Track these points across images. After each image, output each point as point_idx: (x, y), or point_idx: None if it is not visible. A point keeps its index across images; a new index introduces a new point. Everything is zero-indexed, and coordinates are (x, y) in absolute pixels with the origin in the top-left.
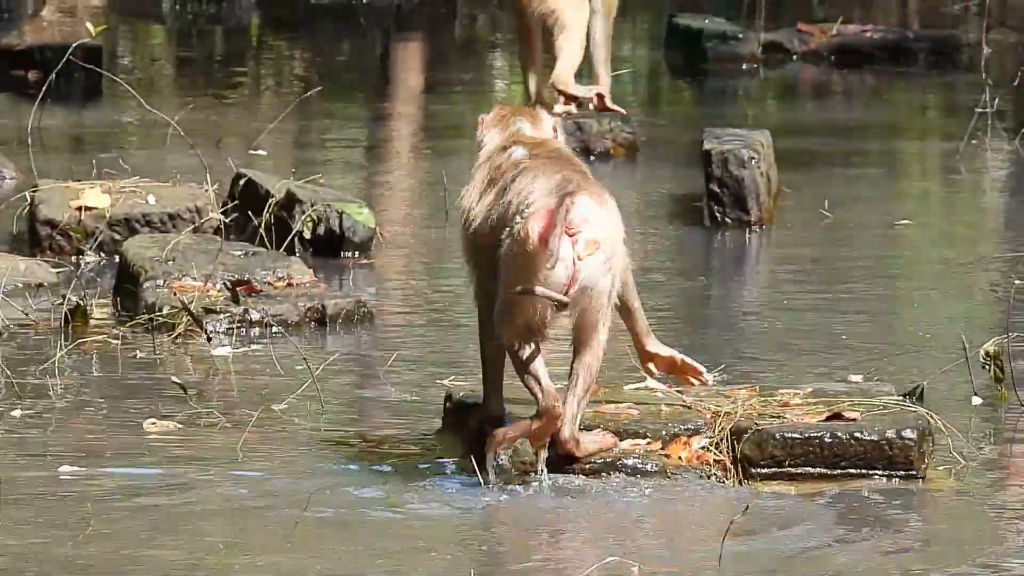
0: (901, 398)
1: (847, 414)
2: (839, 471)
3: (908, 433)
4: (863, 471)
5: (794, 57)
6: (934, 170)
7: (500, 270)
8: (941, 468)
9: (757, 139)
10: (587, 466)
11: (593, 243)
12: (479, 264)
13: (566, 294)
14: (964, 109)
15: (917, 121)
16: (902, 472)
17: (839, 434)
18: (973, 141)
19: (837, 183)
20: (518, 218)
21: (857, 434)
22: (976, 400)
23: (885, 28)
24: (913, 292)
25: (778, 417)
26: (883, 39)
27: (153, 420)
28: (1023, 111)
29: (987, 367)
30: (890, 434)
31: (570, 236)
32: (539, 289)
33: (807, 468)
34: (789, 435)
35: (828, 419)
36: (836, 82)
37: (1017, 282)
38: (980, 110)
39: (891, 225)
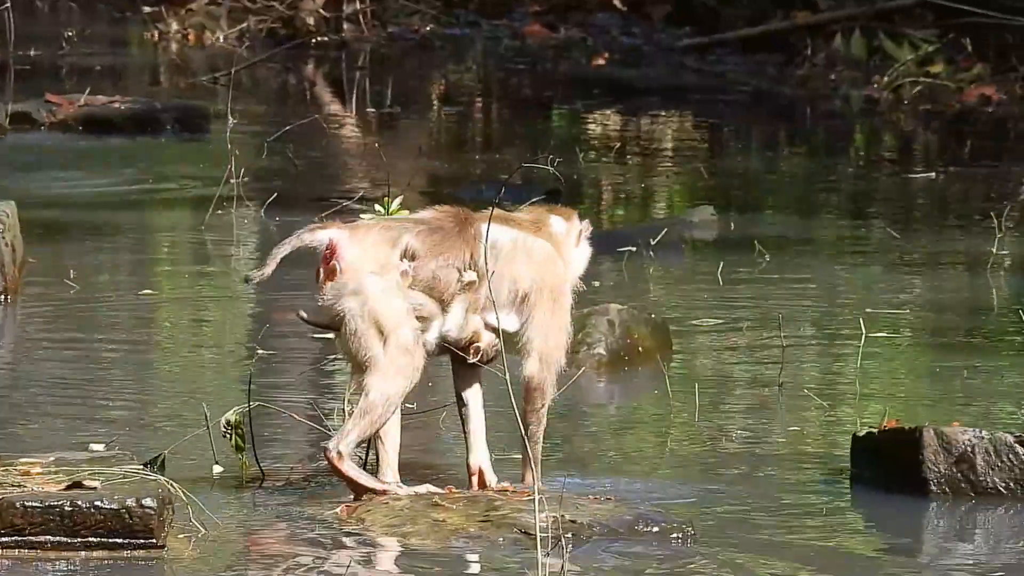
0: (142, 467)
1: (87, 483)
2: (80, 540)
3: (148, 502)
4: (104, 539)
5: (42, 127)
6: (182, 241)
7: None
8: (182, 536)
9: (2, 209)
10: None
11: (331, 270)
12: None
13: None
14: (210, 179)
15: (166, 191)
16: (142, 540)
17: (79, 503)
18: (219, 212)
19: (86, 253)
20: None
21: (97, 502)
22: (217, 469)
23: (133, 99)
24: (161, 364)
25: (19, 486)
26: (131, 110)
27: None
28: (264, 181)
29: (228, 436)
30: (130, 503)
31: (326, 264)
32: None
33: (48, 536)
34: (29, 504)
35: (69, 488)
36: (85, 152)
37: (260, 352)
38: (233, 180)
39: (137, 294)
